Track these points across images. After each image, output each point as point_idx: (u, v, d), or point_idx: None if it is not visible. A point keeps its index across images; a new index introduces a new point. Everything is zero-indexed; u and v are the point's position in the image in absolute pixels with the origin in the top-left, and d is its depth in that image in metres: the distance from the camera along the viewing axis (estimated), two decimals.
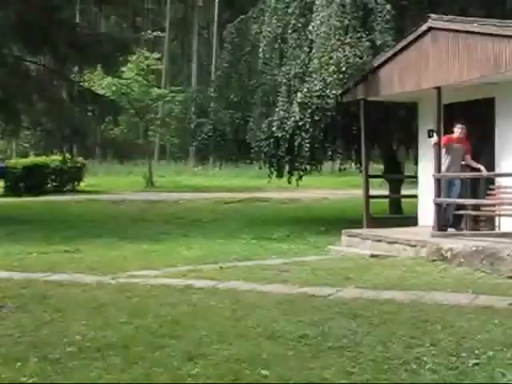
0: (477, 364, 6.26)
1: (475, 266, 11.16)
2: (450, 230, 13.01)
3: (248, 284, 10.31)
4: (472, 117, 13.91)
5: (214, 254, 13.68)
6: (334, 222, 19.84)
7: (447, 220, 13.06)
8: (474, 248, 11.29)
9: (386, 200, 20.64)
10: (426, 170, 15.32)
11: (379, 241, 13.56)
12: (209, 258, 13.11)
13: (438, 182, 12.94)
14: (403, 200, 20.96)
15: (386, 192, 21.31)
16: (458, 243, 11.72)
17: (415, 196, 16.59)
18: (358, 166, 20.57)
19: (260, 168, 20.44)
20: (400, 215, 18.85)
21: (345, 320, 7.91)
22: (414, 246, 12.59)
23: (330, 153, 18.91)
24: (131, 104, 37.23)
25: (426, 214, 15.14)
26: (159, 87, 42.52)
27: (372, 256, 12.90)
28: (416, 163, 23.20)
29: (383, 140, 18.56)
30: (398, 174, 20.88)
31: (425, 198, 15.32)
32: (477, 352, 6.59)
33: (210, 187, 38.86)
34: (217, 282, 10.38)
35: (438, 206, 12.88)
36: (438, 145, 13.07)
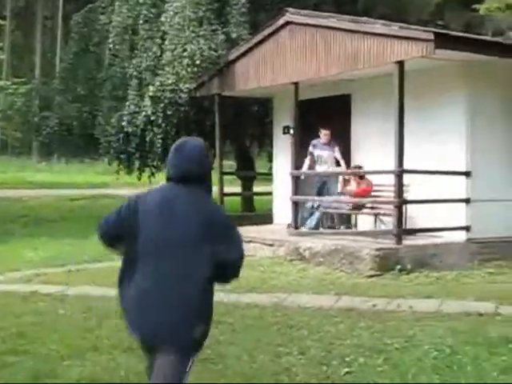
0: (349, 373, 5.92)
1: (334, 265, 10.96)
2: (307, 229, 12.77)
3: (100, 289, 9.60)
4: (328, 113, 13.78)
5: (62, 256, 12.83)
6: None
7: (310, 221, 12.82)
8: (333, 247, 11.09)
9: (237, 197, 20.31)
10: (281, 168, 15.09)
11: (249, 242, 13.15)
12: (56, 261, 12.27)
13: (295, 179, 12.67)
14: (256, 197, 20.79)
15: (238, 189, 20.99)
16: (317, 242, 11.48)
17: (269, 193, 16.35)
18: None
19: (109, 164, 19.58)
20: (253, 213, 18.57)
21: None
22: (271, 245, 12.27)
23: None
24: None
25: (282, 211, 14.91)
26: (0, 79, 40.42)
27: None
28: (270, 160, 23.17)
29: (236, 136, 18.18)
30: (250, 171, 20.59)
31: (280, 196, 15.09)
32: (347, 359, 6.25)
33: (54, 183, 37.29)
34: (65, 288, 9.64)
35: (295, 204, 12.62)
36: (295, 142, 12.79)
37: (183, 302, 3.91)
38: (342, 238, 11.63)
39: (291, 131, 12.87)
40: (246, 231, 13.54)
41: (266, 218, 15.59)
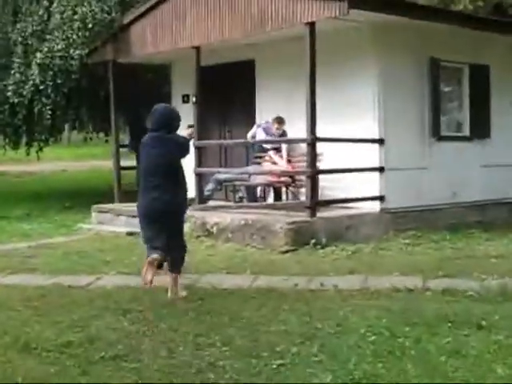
0: (282, 365, 5.21)
1: (245, 241, 10.27)
2: (212, 203, 12.03)
3: None
4: (231, 80, 13.05)
5: None
6: (78, 197, 18.23)
7: (211, 192, 12.06)
8: (243, 222, 10.39)
9: (132, 171, 19.31)
10: None
11: (135, 216, 12.20)
12: None
13: (198, 150, 11.86)
14: None
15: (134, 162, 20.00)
16: (224, 217, 10.75)
17: None
18: (104, 135, 19.02)
19: None
20: None
21: (113, 317, 6.58)
22: None
23: (73, 121, 17.26)
24: None
25: None
26: None
27: (129, 234, 11.59)
28: None
29: (131, 106, 17.12)
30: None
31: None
32: (278, 349, 5.55)
33: None
34: None
35: (199, 176, 11.82)
36: (198, 111, 11.95)
37: (166, 198, 7.26)
38: (251, 211, 10.93)
39: (193, 99, 12.03)
40: None
41: None
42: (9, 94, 15.25)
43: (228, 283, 7.88)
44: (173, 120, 7.53)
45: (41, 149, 17.63)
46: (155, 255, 7.16)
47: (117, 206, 13.32)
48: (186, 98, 14.03)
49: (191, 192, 12.33)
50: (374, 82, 10.93)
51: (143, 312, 6.73)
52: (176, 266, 7.50)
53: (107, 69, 14.08)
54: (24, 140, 17.46)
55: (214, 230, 10.75)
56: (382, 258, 9.37)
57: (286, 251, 9.71)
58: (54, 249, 10.49)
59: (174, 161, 7.42)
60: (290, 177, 11.05)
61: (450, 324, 6.06)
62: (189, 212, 11.46)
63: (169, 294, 7.39)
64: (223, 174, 11.88)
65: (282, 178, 11.06)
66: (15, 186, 23.44)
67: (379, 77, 10.92)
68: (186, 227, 10.90)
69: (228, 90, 13.19)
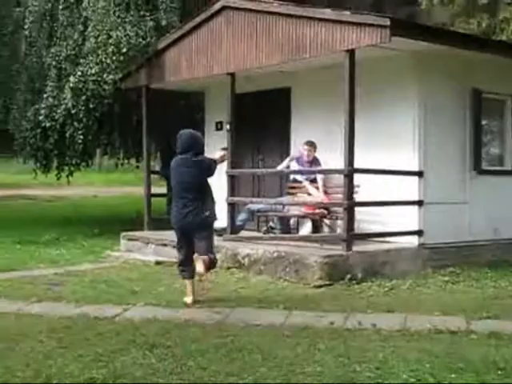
0: None
1: (277, 274, 9.92)
2: (244, 233, 11.69)
3: (11, 303, 8.39)
4: (266, 108, 12.79)
5: None
6: (107, 223, 18.02)
7: (243, 223, 11.73)
8: (276, 254, 10.04)
9: (163, 199, 19.05)
10: None
11: (164, 245, 11.98)
12: None
13: (231, 178, 11.56)
14: None
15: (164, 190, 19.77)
16: (256, 248, 10.41)
17: None
18: (135, 161, 18.83)
19: (24, 162, 18.08)
20: None
21: (140, 352, 6.24)
22: None
23: (104, 146, 17.09)
24: None
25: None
26: None
27: (158, 263, 11.30)
28: None
29: (163, 132, 16.87)
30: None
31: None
32: None
33: None
34: None
35: (232, 205, 11.51)
36: (231, 139, 11.66)
37: (197, 211, 8.30)
38: (284, 243, 10.58)
39: (227, 127, 11.75)
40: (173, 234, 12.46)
41: None
42: (41, 117, 15.14)
43: (260, 319, 7.52)
44: (198, 143, 8.53)
45: (71, 173, 17.47)
46: (186, 280, 8.52)
47: (146, 233, 13.04)
48: (219, 125, 13.78)
49: (223, 222, 12.12)
50: (414, 112, 10.57)
51: (171, 348, 6.40)
52: (208, 262, 8.30)
53: (140, 94, 13.88)
54: (55, 164, 17.32)
55: (246, 261, 10.42)
56: (421, 295, 8.95)
57: (321, 286, 9.34)
58: (81, 276, 10.21)
59: (203, 179, 8.53)
60: (326, 208, 10.69)
61: (499, 372, 5.64)
62: (220, 242, 11.22)
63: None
64: (256, 204, 11.53)
65: (317, 210, 10.70)
66: (45, 211, 23.39)
67: (420, 107, 10.57)
68: (218, 258, 10.69)
69: (262, 117, 12.93)
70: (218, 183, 13.52)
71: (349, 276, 9.48)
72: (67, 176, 17.50)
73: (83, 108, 14.28)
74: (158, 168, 19.97)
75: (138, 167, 18.41)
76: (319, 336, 6.81)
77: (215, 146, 13.77)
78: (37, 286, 9.49)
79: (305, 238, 10.75)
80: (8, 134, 17.23)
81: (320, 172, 10.87)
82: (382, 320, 7.44)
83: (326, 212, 10.60)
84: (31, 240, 14.58)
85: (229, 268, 10.57)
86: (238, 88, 11.78)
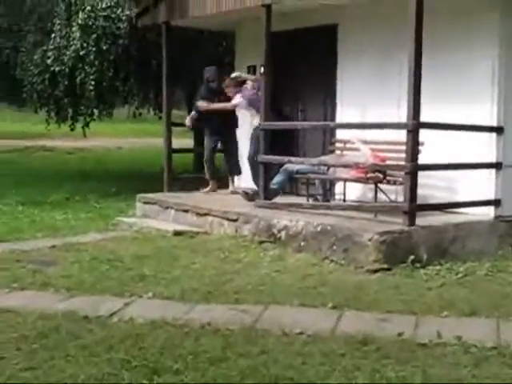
0: None
1: (321, 253, 8.00)
2: (280, 199, 9.75)
3: None
4: (307, 49, 10.75)
5: None
6: (128, 179, 16.24)
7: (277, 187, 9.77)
8: (320, 227, 8.10)
9: (189, 154, 17.15)
10: (243, 118, 12.03)
11: (185, 211, 10.12)
12: None
13: (265, 133, 9.57)
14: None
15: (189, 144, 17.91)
16: (297, 219, 8.48)
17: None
18: (157, 111, 16.92)
19: (35, 111, 16.29)
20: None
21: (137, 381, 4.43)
22: (234, 220, 9.26)
23: (122, 93, 15.13)
24: None
25: (244, 173, 11.91)
26: None
27: (176, 233, 9.44)
28: None
29: (188, 79, 14.84)
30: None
31: (240, 154, 12.07)
32: None
33: None
34: None
35: (265, 165, 9.54)
36: (266, 85, 9.63)
37: None
38: (330, 213, 8.62)
39: (261, 70, 9.72)
40: (200, 199, 10.62)
41: (224, 181, 12.55)
42: (49, 61, 13.27)
43: (302, 322, 5.64)
44: None
45: (87, 124, 15.64)
46: None
47: (165, 196, 11.15)
48: (251, 70, 11.79)
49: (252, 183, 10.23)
50: (494, 54, 8.48)
51: (180, 374, 4.56)
52: None
53: (160, 33, 11.85)
54: (69, 113, 15.51)
55: (283, 235, 8.51)
56: (506, 286, 6.99)
57: (376, 270, 7.41)
58: (82, 252, 8.37)
59: None
60: (381, 172, 8.66)
61: None
62: (251, 209, 9.33)
63: None
64: (295, 164, 9.51)
65: (371, 173, 8.68)
66: (63, 164, 21.65)
67: (501, 48, 8.48)
68: (247, 229, 8.83)
69: (303, 61, 10.88)
70: (249, 138, 11.70)
71: (412, 257, 7.53)
72: (82, 127, 15.69)
73: (94, 49, 12.34)
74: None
75: (160, 118, 16.49)
76: (385, 355, 4.92)
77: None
78: (25, 265, 7.68)
79: (355, 208, 8.75)
80: (18, 79, 15.46)
81: (378, 127, 8.79)
82: (466, 328, 5.52)
83: (381, 176, 8.58)
84: (37, 200, 12.81)
85: (261, 242, 8.68)
86: (274, 26, 9.73)
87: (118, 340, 5.20)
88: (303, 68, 10.90)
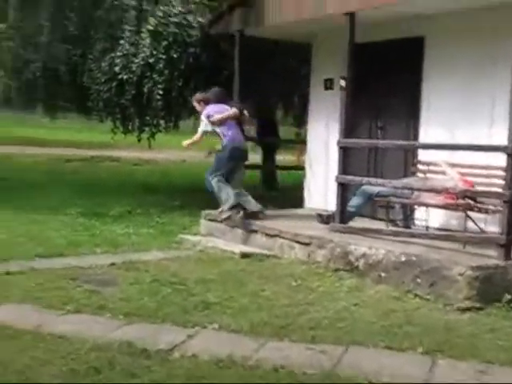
0: None
1: (404, 285, 7.23)
2: (356, 223, 9.01)
3: (34, 312, 6.02)
4: (390, 62, 9.99)
5: (12, 243, 9.17)
6: (191, 193, 15.60)
7: (355, 210, 9.00)
8: (404, 257, 7.34)
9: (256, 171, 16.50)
10: (318, 134, 11.37)
11: (254, 231, 9.46)
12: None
13: (343, 151, 8.88)
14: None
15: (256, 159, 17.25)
16: (377, 247, 7.73)
17: (299, 168, 12.68)
18: None
19: (101, 121, 15.85)
20: (277, 192, 14.92)
21: None
22: (307, 244, 8.55)
23: (190, 104, 14.57)
24: None
25: (317, 193, 11.24)
26: None
27: (244, 256, 8.78)
28: (296, 125, 19.36)
29: (259, 91, 14.19)
30: (273, 137, 16.80)
31: (315, 172, 11.40)
32: None
33: (55, 142, 33.90)
34: None
35: (342, 186, 8.82)
36: (346, 99, 8.92)
37: None
38: (414, 242, 7.84)
39: (342, 83, 8.99)
40: (270, 219, 9.94)
41: (294, 200, 11.87)
42: (117, 68, 12.79)
43: (389, 370, 4.90)
44: None
45: (153, 135, 15.11)
46: None
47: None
48: (328, 84, 11.10)
49: (331, 206, 9.52)
50: None
51: None
52: None
53: (233, 42, 11.25)
54: (135, 124, 15.03)
55: (361, 263, 7.77)
56: None
57: (467, 309, 6.62)
58: (143, 271, 7.76)
59: None
60: (471, 198, 7.85)
61: None
62: (326, 233, 8.62)
63: None
64: (375, 185, 8.74)
65: (461, 200, 7.88)
66: (128, 175, 21.24)
67: None
68: (321, 255, 8.11)
69: (384, 75, 10.13)
70: (324, 156, 11.02)
71: (508, 297, 6.73)
72: (148, 138, 15.16)
73: (164, 57, 11.79)
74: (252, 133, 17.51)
75: None
76: None
77: (322, 108, 11.23)
78: (81, 283, 7.10)
79: (443, 237, 7.94)
80: (86, 87, 15.04)
81: (471, 148, 7.97)
82: None
83: (472, 203, 7.77)
84: (99, 212, 12.29)
85: (336, 270, 7.96)
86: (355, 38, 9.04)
87: (179, 382, 4.54)
88: (384, 83, 10.14)
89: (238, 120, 10.03)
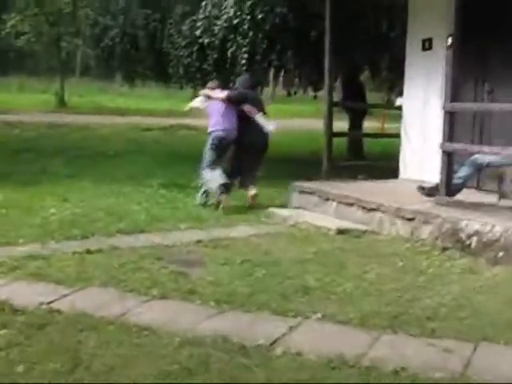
0: None
1: None
2: (462, 195, 8.17)
3: (117, 298, 5.40)
4: (498, 16, 9.04)
5: (92, 217, 8.65)
6: (277, 163, 14.87)
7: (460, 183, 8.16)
8: None
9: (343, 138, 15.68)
10: (414, 99, 10.52)
11: (350, 204, 8.72)
12: (78, 225, 8.10)
13: (450, 116, 8.03)
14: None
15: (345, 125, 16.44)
16: (492, 222, 6.91)
17: (393, 135, 11.84)
18: (313, 89, 15.53)
19: (181, 88, 15.31)
20: (364, 161, 14.12)
21: None
22: (410, 219, 7.77)
23: (277, 69, 13.85)
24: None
25: (413, 163, 10.43)
26: None
27: (339, 232, 8.06)
28: (389, 89, 18.45)
29: (347, 53, 13.31)
30: (361, 103, 15.94)
31: (411, 140, 10.58)
32: None
33: (133, 110, 33.64)
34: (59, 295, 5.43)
35: (448, 155, 7.99)
36: (453, 58, 8.03)
37: None
38: None
39: (448, 41, 8.10)
40: (366, 191, 9.20)
41: (383, 170, 11.04)
42: (198, 32, 12.14)
43: None
44: None
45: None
46: None
47: (325, 185, 9.78)
48: (426, 44, 10.23)
49: (434, 177, 8.70)
50: None
51: None
52: None
53: (322, 2, 10.43)
54: None
55: (473, 242, 6.96)
56: None
57: None
58: (232, 250, 7.13)
59: None
60: None
61: None
62: (430, 208, 7.83)
63: None
64: (488, 154, 7.87)
65: None
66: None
67: None
68: (426, 232, 7.33)
69: (492, 30, 9.18)
70: (421, 122, 10.19)
71: None
72: None
73: (248, 18, 11.06)
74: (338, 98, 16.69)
75: (315, 97, 15.13)
76: None
77: (420, 70, 10.37)
78: (167, 264, 6.50)
79: None
80: (164, 53, 14.49)
81: None
82: None
83: None
84: (180, 183, 11.73)
85: (444, 249, 7.17)
86: None
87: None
88: (493, 40, 9.20)
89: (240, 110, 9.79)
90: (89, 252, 6.84)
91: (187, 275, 6.14)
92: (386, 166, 11.50)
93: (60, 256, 6.66)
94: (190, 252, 7.06)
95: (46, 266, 6.27)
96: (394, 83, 16.08)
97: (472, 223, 7.03)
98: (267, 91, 24.32)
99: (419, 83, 10.35)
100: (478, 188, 9.01)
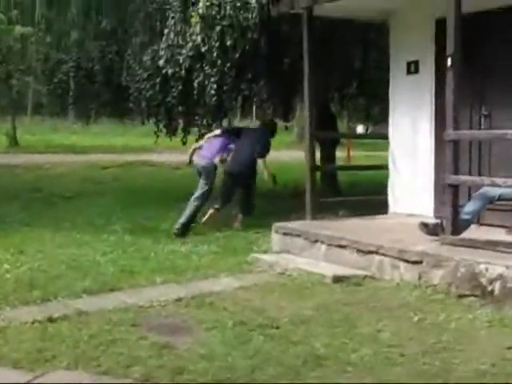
0: None
1: None
2: (469, 233, 7.30)
3: None
4: (493, 37, 8.29)
5: (53, 272, 7.62)
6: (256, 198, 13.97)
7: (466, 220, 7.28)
8: None
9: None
10: (401, 127, 9.72)
11: (343, 247, 7.80)
12: (38, 284, 7.05)
13: (454, 145, 7.17)
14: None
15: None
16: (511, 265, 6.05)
17: (378, 167, 11.02)
18: (282, 120, 14.65)
19: (143, 123, 14.32)
20: (342, 195, 13.28)
21: None
22: (416, 262, 6.87)
23: (246, 98, 12.95)
24: None
25: (404, 196, 9.61)
26: None
27: (336, 280, 7.12)
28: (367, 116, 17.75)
29: (319, 79, 12.37)
30: (333, 132, 15.10)
31: (400, 172, 9.76)
32: None
33: (88, 148, 32.53)
34: None
35: (454, 188, 7.12)
36: (454, 80, 7.20)
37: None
38: None
39: (449, 61, 7.26)
40: (356, 230, 8.31)
41: (368, 204, 10.13)
42: (161, 62, 11.22)
43: None
44: None
45: (201, 136, 13.49)
46: None
47: (311, 225, 8.86)
48: (412, 67, 9.44)
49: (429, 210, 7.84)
50: None
51: None
52: None
53: (297, 23, 9.56)
54: (180, 125, 13.53)
55: (496, 288, 6.08)
56: None
57: None
58: (219, 310, 6.13)
59: None
60: None
61: None
62: (435, 248, 6.94)
63: None
64: (500, 186, 7.01)
65: None
66: (171, 181, 19.65)
67: None
68: (438, 277, 6.43)
69: (488, 52, 8.44)
70: (411, 152, 9.39)
71: None
72: (196, 140, 13.56)
73: (217, 45, 10.15)
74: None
75: (286, 128, 14.23)
76: None
77: (406, 95, 9.59)
78: (145, 333, 5.47)
79: None
80: (123, 87, 13.53)
81: None
82: None
83: None
84: (148, 227, 10.75)
85: (461, 296, 6.29)
86: (441, 10, 7.34)
87: None
88: (489, 62, 8.44)
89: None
90: (51, 320, 5.79)
91: (172, 347, 5.13)
92: (368, 200, 10.63)
93: (17, 327, 5.60)
94: (170, 314, 6.05)
95: (1, 343, 5.21)
96: (370, 111, 15.34)
97: (493, 266, 6.15)
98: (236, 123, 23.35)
99: (406, 109, 9.56)
100: (478, 222, 8.15)
